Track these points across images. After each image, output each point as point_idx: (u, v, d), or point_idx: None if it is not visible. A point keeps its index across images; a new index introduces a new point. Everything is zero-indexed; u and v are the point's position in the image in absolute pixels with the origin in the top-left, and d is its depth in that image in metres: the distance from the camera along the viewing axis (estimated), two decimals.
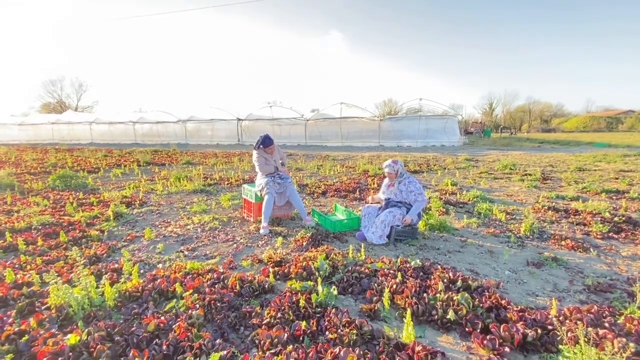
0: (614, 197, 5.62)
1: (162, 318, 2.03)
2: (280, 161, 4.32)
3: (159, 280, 2.51)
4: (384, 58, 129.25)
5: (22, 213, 4.61)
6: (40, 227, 3.95)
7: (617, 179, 7.56)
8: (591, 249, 3.31)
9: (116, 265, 2.88)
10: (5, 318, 2.10)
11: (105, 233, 3.88)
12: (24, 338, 1.87)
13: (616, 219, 4.15)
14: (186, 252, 3.33)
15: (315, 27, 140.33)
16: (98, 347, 1.75)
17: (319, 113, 21.23)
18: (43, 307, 2.24)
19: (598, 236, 3.70)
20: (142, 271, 2.84)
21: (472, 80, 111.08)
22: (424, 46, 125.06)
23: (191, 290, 2.35)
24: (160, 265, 2.98)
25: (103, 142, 23.63)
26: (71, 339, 1.80)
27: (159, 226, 4.18)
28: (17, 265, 2.92)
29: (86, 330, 1.90)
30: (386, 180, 3.85)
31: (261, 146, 4.14)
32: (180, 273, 2.69)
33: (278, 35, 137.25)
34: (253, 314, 2.13)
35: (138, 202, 5.27)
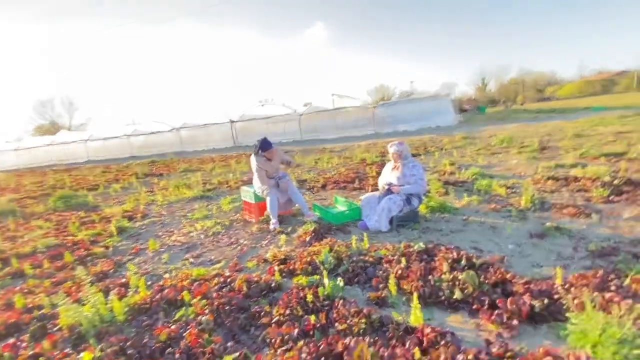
0: (613, 160, 5.61)
1: (173, 327, 2.06)
2: (283, 160, 4.31)
3: (166, 290, 2.53)
4: (371, 44, 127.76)
5: (26, 238, 4.63)
6: (45, 250, 3.97)
7: (615, 141, 7.53)
8: (593, 215, 3.31)
9: (123, 280, 2.90)
10: (19, 343, 2.13)
11: (110, 249, 3.90)
12: None
13: (616, 181, 4.14)
14: (191, 260, 3.35)
15: (298, 21, 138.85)
16: None
17: (312, 107, 21.11)
18: (55, 329, 2.26)
19: (599, 201, 3.70)
20: (149, 283, 2.86)
21: (463, 56, 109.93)
22: (410, 28, 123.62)
23: (199, 297, 2.37)
24: (166, 275, 3.00)
25: (100, 158, 23.60)
26: (85, 357, 1.83)
27: (163, 236, 4.20)
28: (26, 290, 2.94)
29: (99, 347, 1.92)
30: (388, 165, 3.83)
31: (260, 151, 4.03)
32: (187, 281, 2.71)
33: (262, 33, 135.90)
34: (262, 313, 2.15)
35: (140, 214, 5.29)
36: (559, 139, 8.81)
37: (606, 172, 4.55)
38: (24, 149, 26.35)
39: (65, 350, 2.00)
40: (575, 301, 1.85)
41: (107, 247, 3.92)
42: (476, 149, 8.67)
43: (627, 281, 2.05)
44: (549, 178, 4.77)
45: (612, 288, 1.98)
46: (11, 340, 2.18)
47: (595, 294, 1.91)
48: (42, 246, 4.07)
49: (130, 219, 5.12)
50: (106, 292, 2.66)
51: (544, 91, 61.79)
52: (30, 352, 1.99)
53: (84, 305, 2.30)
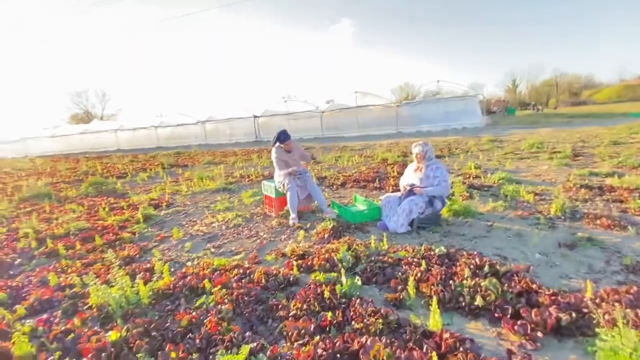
0: None
1: (194, 313, 2.12)
2: (302, 159, 4.35)
3: (188, 278, 2.61)
4: (397, 43, 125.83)
5: (60, 220, 4.92)
6: (77, 233, 4.20)
7: None
8: (629, 227, 3.12)
9: (148, 265, 3.02)
10: (52, 319, 2.27)
11: (137, 235, 4.07)
12: (70, 336, 2.01)
13: None
14: (213, 250, 3.44)
15: (324, 17, 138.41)
16: (137, 342, 1.86)
17: (334, 104, 21.07)
18: (85, 307, 2.39)
19: (637, 213, 3.48)
20: (172, 269, 2.97)
21: (494, 58, 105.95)
22: (440, 27, 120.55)
23: (219, 286, 2.44)
24: (189, 263, 3.10)
25: (129, 147, 24.62)
26: (112, 335, 1.92)
27: (186, 225, 4.34)
28: (59, 269, 3.13)
29: (125, 327, 2.02)
30: (411, 166, 3.78)
31: (278, 143, 4.17)
32: (208, 270, 2.79)
33: (288, 28, 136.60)
34: (280, 306, 2.19)
35: (165, 203, 5.48)
36: (594, 146, 8.35)
37: None
38: (59, 136, 27.87)
39: (94, 328, 2.11)
40: (606, 317, 1.76)
41: (134, 233, 4.10)
42: (503, 153, 8.37)
43: None
44: (582, 186, 4.54)
45: None
46: (45, 316, 2.33)
47: (628, 310, 1.81)
48: (75, 229, 4.31)
49: (155, 207, 5.32)
50: (133, 275, 2.78)
51: (580, 94, 58.59)
52: (62, 328, 2.11)
53: (112, 286, 2.42)
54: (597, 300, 1.98)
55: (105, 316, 2.24)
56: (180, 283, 2.55)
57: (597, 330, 1.67)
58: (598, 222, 3.29)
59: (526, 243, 3.02)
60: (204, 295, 2.38)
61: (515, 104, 41.64)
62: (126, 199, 6.04)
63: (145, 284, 2.49)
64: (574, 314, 1.83)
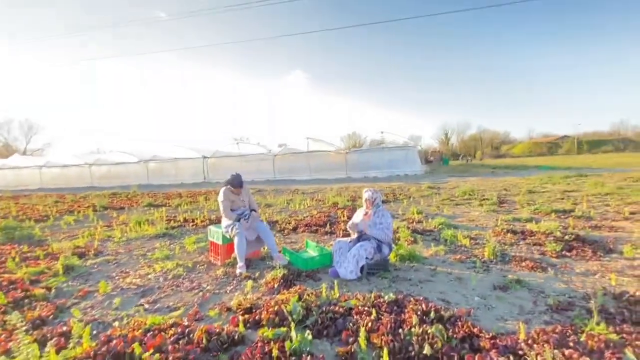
0: (562, 216, 6.10)
1: None
2: (249, 205, 4.25)
3: (114, 342, 2.26)
4: (345, 94, 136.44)
5: None
6: None
7: (563, 199, 8.26)
8: (549, 269, 3.51)
9: (64, 328, 2.57)
10: None
11: (53, 291, 3.48)
12: None
13: (567, 237, 4.48)
14: (147, 306, 3.06)
15: (279, 68, 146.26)
16: None
17: (287, 148, 21.52)
18: None
19: (553, 255, 3.94)
20: (95, 332, 2.56)
21: (428, 112, 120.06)
22: (383, 81, 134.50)
23: (152, 350, 2.15)
24: (116, 324, 2.70)
25: (55, 186, 21.95)
26: None
27: (116, 278, 3.85)
28: None
29: None
30: (360, 211, 3.90)
31: (229, 185, 4.08)
32: (140, 330, 2.45)
33: (243, 75, 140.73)
34: None
35: (92, 251, 4.86)
36: (515, 194, 9.51)
37: (557, 228, 4.92)
38: None
39: None
40: (539, 358, 1.89)
41: (49, 289, 3.50)
42: (441, 199, 9.10)
43: (583, 337, 2.14)
44: (508, 231, 5.06)
45: (571, 344, 2.05)
46: None
47: (556, 351, 1.97)
48: None
49: (81, 256, 4.68)
50: (43, 342, 2.33)
51: (500, 148, 67.91)
52: None
53: (13, 358, 1.99)
54: (530, 342, 2.12)
55: None
56: (103, 349, 2.19)
57: None
58: (524, 264, 3.65)
59: (466, 286, 3.20)
60: None
61: (448, 154, 46.54)
62: (44, 247, 5.23)
63: (57, 352, 2.10)
64: (511, 357, 1.93)
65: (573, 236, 4.52)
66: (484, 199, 8.60)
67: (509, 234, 4.91)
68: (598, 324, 2.27)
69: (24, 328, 2.22)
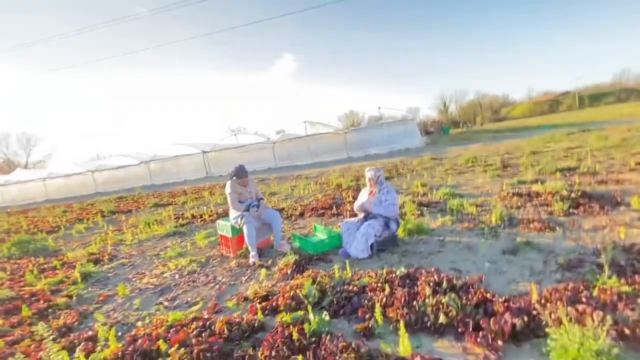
0: (567, 175, 6.07)
1: None
2: (256, 196, 4.28)
3: (140, 341, 2.34)
4: (338, 73, 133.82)
5: None
6: None
7: (567, 156, 8.20)
8: (557, 228, 3.52)
9: (90, 333, 2.66)
10: None
11: (74, 298, 3.59)
12: None
13: (573, 194, 4.47)
14: (166, 303, 3.15)
15: (268, 54, 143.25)
16: None
17: (285, 134, 21.37)
18: None
19: (560, 214, 3.95)
20: (120, 333, 2.65)
21: (425, 82, 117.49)
22: (374, 56, 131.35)
23: (176, 345, 2.22)
24: (139, 324, 2.79)
25: (60, 197, 22.17)
26: None
27: (133, 279, 3.94)
28: None
29: None
30: (365, 190, 3.90)
31: (234, 177, 4.10)
32: (163, 328, 2.53)
33: (230, 69, 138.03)
34: (246, 357, 2.04)
35: (107, 256, 4.95)
36: (518, 157, 9.45)
37: (563, 187, 4.91)
38: None
39: None
40: (552, 316, 1.92)
41: (70, 297, 3.60)
42: (444, 169, 9.07)
43: (595, 292, 2.17)
44: (514, 194, 5.05)
45: (584, 300, 2.09)
46: None
47: (569, 308, 2.00)
48: None
49: (96, 262, 4.78)
50: (71, 348, 2.42)
51: (500, 112, 66.86)
52: None
53: None
54: (543, 302, 2.16)
55: None
56: (130, 349, 2.27)
57: (547, 330, 1.82)
58: (532, 226, 3.66)
59: (476, 253, 3.24)
60: (160, 359, 2.14)
61: (448, 123, 45.99)
62: (59, 257, 5.34)
63: (87, 356, 2.18)
64: (525, 318, 1.97)
65: (579, 193, 4.51)
66: (487, 165, 8.55)
67: (515, 198, 4.91)
68: (610, 277, 2.29)
69: (51, 337, 2.29)
